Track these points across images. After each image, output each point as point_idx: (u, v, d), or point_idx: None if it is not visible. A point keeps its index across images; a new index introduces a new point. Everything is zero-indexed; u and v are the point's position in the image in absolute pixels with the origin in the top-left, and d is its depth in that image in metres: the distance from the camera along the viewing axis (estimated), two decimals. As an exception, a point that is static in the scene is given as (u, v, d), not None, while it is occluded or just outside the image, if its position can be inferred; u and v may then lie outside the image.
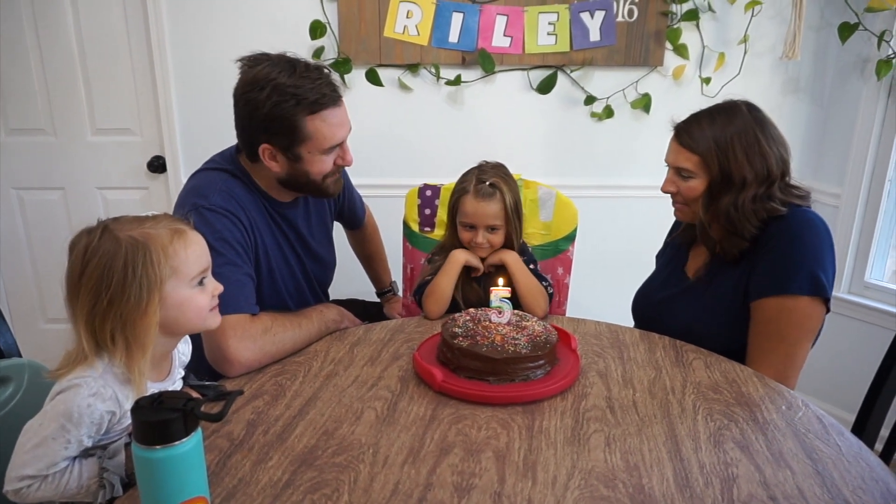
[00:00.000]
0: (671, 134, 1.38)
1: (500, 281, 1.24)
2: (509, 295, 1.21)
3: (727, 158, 1.27)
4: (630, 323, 1.66)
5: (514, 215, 1.48)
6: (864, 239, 2.32)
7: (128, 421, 0.88)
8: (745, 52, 2.24)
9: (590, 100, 2.33)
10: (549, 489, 0.86)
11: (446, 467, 0.91)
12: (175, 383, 1.00)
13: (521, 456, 0.93)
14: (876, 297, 2.26)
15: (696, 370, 1.21)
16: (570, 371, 1.16)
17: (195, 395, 1.02)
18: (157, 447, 0.71)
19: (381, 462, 0.92)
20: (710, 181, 1.30)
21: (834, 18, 2.22)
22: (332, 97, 1.28)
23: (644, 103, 2.33)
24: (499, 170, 1.51)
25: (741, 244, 1.29)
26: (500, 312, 1.22)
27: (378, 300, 1.99)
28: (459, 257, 1.48)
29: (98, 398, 0.85)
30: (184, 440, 0.72)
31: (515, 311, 1.25)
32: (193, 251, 0.92)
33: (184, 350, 1.05)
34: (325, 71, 1.30)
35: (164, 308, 0.88)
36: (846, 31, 2.12)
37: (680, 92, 2.35)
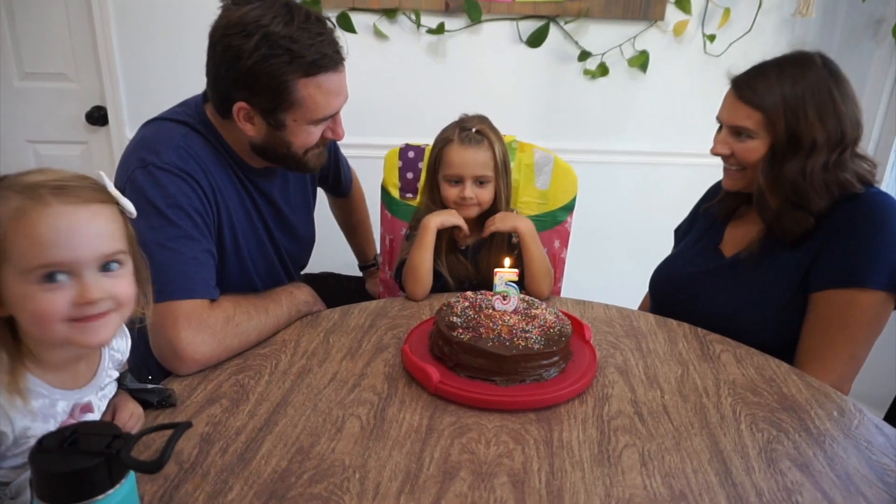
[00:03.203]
0: (727, 87, 1.20)
1: (507, 262, 1.05)
2: (516, 278, 1.03)
3: (797, 117, 1.10)
4: (629, 303, 1.51)
5: (503, 169, 1.31)
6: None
7: (28, 442, 0.67)
8: (759, 7, 2.06)
9: (584, 56, 2.13)
10: (582, 528, 0.70)
11: (453, 498, 0.73)
12: (103, 390, 0.78)
13: (543, 481, 0.77)
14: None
15: (727, 366, 1.06)
16: (588, 368, 0.99)
17: (128, 409, 0.81)
18: (70, 506, 0.51)
19: (371, 491, 0.74)
20: (773, 143, 1.13)
21: (848, -27, 2.06)
22: (333, 59, 1.06)
23: (641, 61, 2.14)
24: (483, 120, 1.34)
25: (806, 221, 1.13)
26: (504, 298, 1.04)
27: (359, 274, 1.79)
28: (430, 224, 1.28)
29: None
30: (109, 493, 0.52)
31: (522, 297, 1.07)
32: (41, 235, 0.64)
33: (119, 346, 0.84)
34: (329, 25, 1.07)
35: (6, 303, 0.66)
36: (866, -14, 1.96)
37: (681, 50, 2.16)
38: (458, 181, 1.30)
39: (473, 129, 1.29)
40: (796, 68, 1.11)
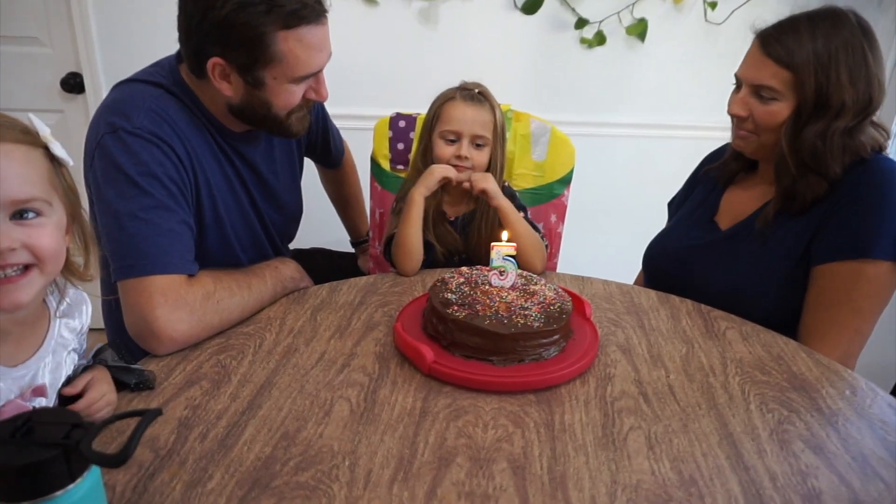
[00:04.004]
0: (751, 41, 1.12)
1: (504, 235, 1.00)
2: (514, 252, 0.98)
3: (827, 77, 1.03)
4: (625, 279, 1.46)
5: (501, 135, 1.28)
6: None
7: None
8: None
9: (581, 23, 2.05)
10: (588, 517, 0.65)
11: (449, 486, 0.68)
12: (57, 366, 0.71)
13: (545, 466, 0.72)
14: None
15: (733, 343, 1.02)
16: (589, 347, 0.94)
17: (100, 390, 0.75)
18: (24, 504, 0.45)
19: (362, 479, 0.69)
20: (798, 104, 1.06)
21: (854, -62, 1.98)
22: (314, 10, 0.99)
23: (640, 30, 2.07)
24: (482, 87, 1.30)
25: (820, 187, 1.07)
26: (501, 274, 0.98)
27: (351, 251, 1.73)
28: (416, 196, 1.22)
29: None
30: (69, 488, 0.47)
31: (520, 272, 1.02)
32: None
33: (78, 313, 0.77)
34: None
35: None
36: (872, -49, 1.89)
37: (680, 18, 2.08)
38: (455, 139, 1.25)
39: (476, 91, 1.27)
40: (829, 24, 1.04)
